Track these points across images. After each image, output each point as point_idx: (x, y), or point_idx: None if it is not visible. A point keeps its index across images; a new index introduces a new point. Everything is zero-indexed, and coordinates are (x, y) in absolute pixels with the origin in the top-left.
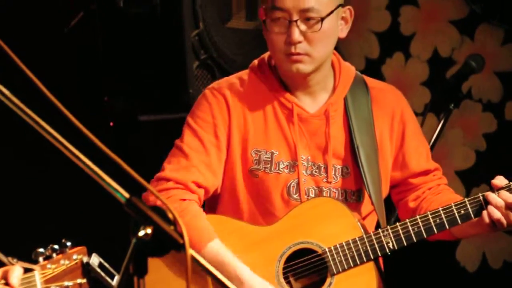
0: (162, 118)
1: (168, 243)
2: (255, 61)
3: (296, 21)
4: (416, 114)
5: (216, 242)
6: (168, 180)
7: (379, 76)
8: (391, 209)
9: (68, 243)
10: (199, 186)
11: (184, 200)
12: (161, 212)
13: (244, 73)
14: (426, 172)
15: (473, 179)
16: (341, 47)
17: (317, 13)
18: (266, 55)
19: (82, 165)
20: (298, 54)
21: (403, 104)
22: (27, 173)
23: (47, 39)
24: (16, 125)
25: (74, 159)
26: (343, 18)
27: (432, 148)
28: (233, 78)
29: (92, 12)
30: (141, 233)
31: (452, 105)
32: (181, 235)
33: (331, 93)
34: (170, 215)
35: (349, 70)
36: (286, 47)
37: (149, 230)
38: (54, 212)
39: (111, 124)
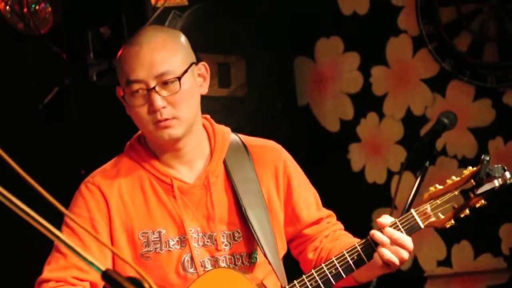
0: None
1: None
2: (128, 143)
3: (154, 88)
4: (393, 173)
5: None
6: (48, 281)
7: (355, 137)
8: None
9: None
10: (82, 280)
11: None
12: (137, 283)
13: (119, 158)
14: (318, 221)
15: (453, 235)
16: (314, 110)
17: (173, 74)
18: (137, 134)
19: (58, 241)
20: (166, 119)
21: (284, 157)
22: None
23: (23, 117)
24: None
25: (51, 236)
26: (200, 75)
27: (409, 205)
28: (107, 166)
29: (66, 87)
30: None
31: (428, 162)
32: None
33: (208, 159)
34: (146, 286)
35: (224, 132)
36: (152, 116)
37: None
38: None
39: None
